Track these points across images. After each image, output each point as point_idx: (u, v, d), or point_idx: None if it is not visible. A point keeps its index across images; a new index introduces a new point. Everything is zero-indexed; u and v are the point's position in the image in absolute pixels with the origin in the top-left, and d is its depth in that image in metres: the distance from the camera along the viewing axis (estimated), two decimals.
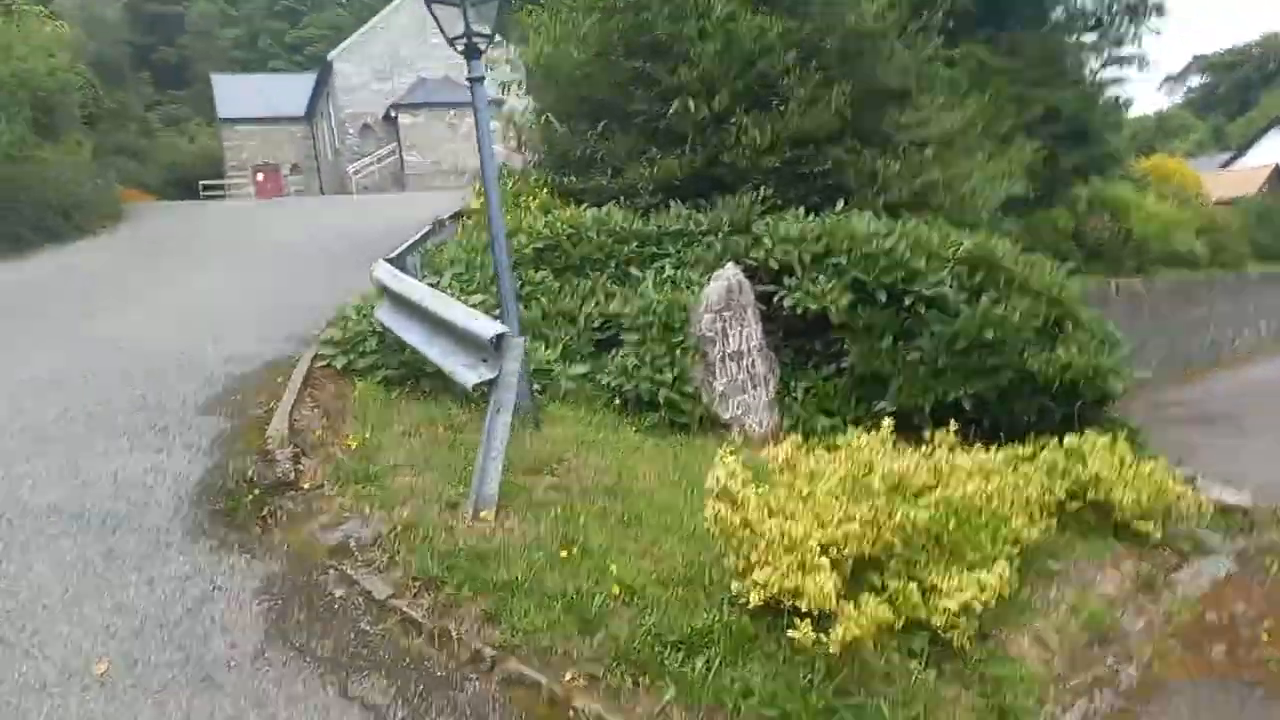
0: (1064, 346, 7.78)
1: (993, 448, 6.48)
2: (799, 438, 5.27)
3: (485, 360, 5.04)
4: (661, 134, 10.42)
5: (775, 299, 8.56)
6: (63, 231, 16.62)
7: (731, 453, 5.04)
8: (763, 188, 9.47)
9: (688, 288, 8.24)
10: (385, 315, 6.61)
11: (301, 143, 45.42)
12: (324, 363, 7.30)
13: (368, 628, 3.80)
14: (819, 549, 4.11)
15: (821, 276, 8.46)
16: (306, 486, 5.29)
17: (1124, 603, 5.63)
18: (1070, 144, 16.72)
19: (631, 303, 8.17)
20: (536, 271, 8.98)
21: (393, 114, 36.04)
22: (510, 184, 11.27)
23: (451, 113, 34.64)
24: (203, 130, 50.32)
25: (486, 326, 4.93)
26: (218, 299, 11.10)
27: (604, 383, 7.53)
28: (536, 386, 7.24)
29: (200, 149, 48.11)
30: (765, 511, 4.56)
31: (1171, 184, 30.28)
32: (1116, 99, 19.79)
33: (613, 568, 4.47)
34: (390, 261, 7.40)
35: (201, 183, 39.45)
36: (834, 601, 3.88)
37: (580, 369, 7.76)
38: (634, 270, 8.85)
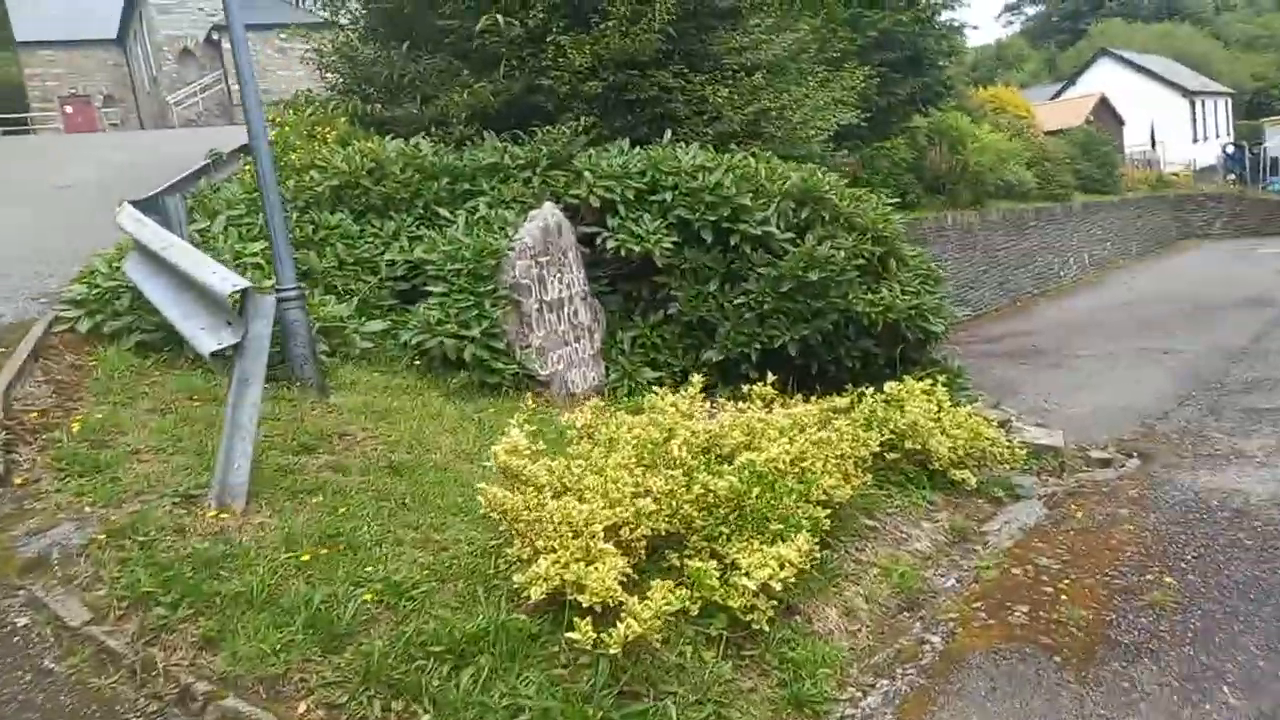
0: (886, 286, 7.74)
1: (813, 399, 6.36)
2: (598, 401, 4.89)
3: (229, 323, 4.36)
4: (475, 55, 9.65)
5: (598, 241, 8.13)
6: None
7: (525, 420, 4.64)
8: (584, 117, 8.92)
9: (502, 229, 7.66)
10: (133, 268, 5.76)
11: (115, 70, 40.75)
12: (66, 326, 6.35)
13: (52, 665, 3.18)
14: (603, 532, 3.77)
15: (646, 215, 8.09)
16: (18, 482, 4.51)
17: (936, 559, 5.64)
18: (904, 71, 16.86)
19: (439, 248, 7.53)
20: (333, 213, 8.17)
21: (215, 37, 32.82)
22: (308, 112, 10.23)
23: (282, 35, 31.84)
24: (1, 56, 44.38)
25: (224, 281, 4.26)
26: None
27: (405, 340, 6.92)
28: (324, 347, 6.56)
29: None
30: (556, 489, 4.20)
31: (1007, 114, 31.65)
32: (950, 23, 20.10)
33: (380, 565, 4.00)
34: (142, 204, 6.46)
35: None
36: (619, 593, 3.55)
37: (378, 325, 7.11)
38: (443, 211, 8.17)
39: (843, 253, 7.66)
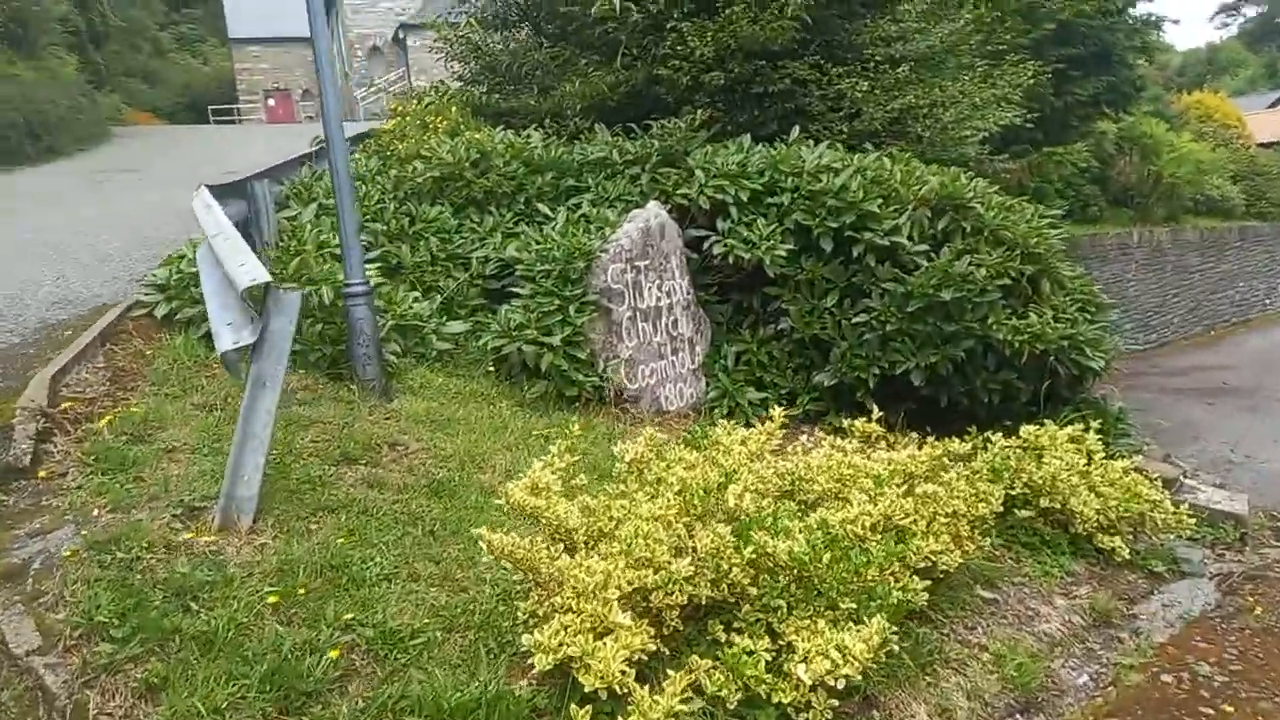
0: (1036, 312, 6.71)
1: (937, 438, 5.51)
2: (654, 432, 4.27)
3: (253, 320, 4.05)
4: (597, 44, 9.20)
5: (706, 245, 7.50)
6: (27, 152, 15.80)
7: (567, 448, 4.10)
8: (701, 110, 8.28)
9: (599, 229, 7.17)
10: (201, 256, 5.60)
11: (313, 66, 43.78)
12: (145, 310, 6.32)
13: None
14: (623, 599, 3.17)
15: (760, 219, 7.39)
16: (43, 474, 4.36)
17: (1068, 646, 4.70)
18: (1087, 69, 15.11)
19: (531, 246, 7.11)
20: (433, 205, 7.92)
21: (401, 35, 34.53)
22: (425, 103, 10.10)
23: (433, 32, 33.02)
24: (217, 52, 48.65)
25: (245, 274, 3.93)
26: (108, 230, 10.08)
27: (484, 344, 6.53)
28: (395, 348, 6.26)
29: (214, 72, 46.43)
30: (591, 534, 3.64)
31: (1213, 122, 28.68)
32: (1145, 17, 17.83)
33: (381, 606, 3.56)
34: (229, 189, 6.35)
35: (211, 107, 38.31)
36: (627, 680, 2.94)
37: (459, 326, 6.77)
38: (544, 207, 7.76)
39: (984, 270, 6.70)
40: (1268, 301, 24.77)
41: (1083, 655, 4.71)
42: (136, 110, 30.83)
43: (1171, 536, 5.97)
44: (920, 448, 5.13)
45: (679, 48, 8.63)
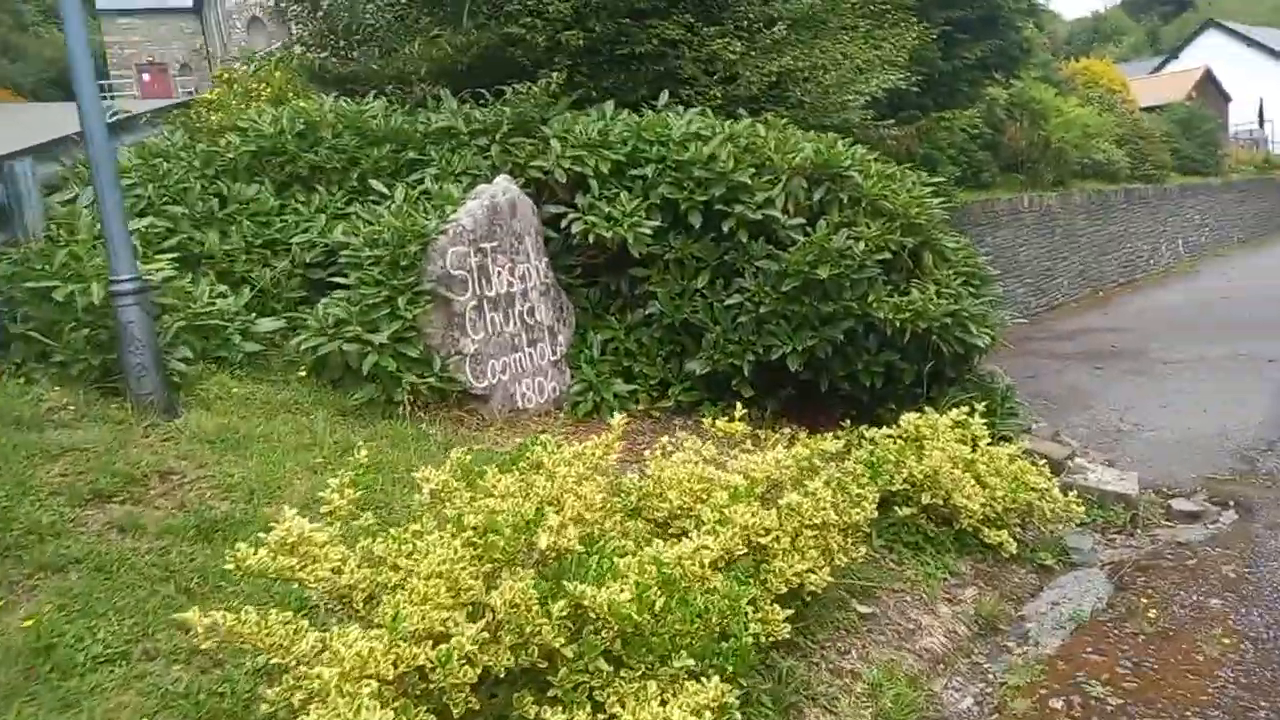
0: (919, 287, 6.27)
1: (800, 439, 4.99)
2: (462, 453, 3.58)
3: None
4: (447, 1, 8.36)
5: (565, 223, 6.82)
6: None
7: (349, 484, 3.39)
8: (559, 74, 7.56)
9: (439, 208, 6.40)
10: None
11: (191, 39, 41.28)
12: None
13: None
14: (385, 683, 2.51)
15: (624, 193, 6.74)
16: None
17: (952, 663, 4.27)
18: (974, 32, 14.96)
19: (361, 229, 6.30)
20: (249, 184, 7.00)
21: (283, 5, 32.49)
22: (253, 68, 9.09)
23: None
24: (87, 25, 45.12)
25: None
26: None
27: (301, 344, 5.71)
28: (185, 354, 5.38)
29: None
30: (366, 592, 2.96)
31: (1098, 88, 29.32)
32: None
33: (92, 698, 2.81)
34: None
35: None
36: None
37: (271, 324, 5.93)
38: (378, 183, 6.94)
39: (863, 244, 6.21)
40: (1151, 262, 25.50)
41: (967, 672, 4.29)
42: None
43: (1061, 524, 5.64)
44: (790, 445, 4.60)
45: (530, 3, 7.87)
